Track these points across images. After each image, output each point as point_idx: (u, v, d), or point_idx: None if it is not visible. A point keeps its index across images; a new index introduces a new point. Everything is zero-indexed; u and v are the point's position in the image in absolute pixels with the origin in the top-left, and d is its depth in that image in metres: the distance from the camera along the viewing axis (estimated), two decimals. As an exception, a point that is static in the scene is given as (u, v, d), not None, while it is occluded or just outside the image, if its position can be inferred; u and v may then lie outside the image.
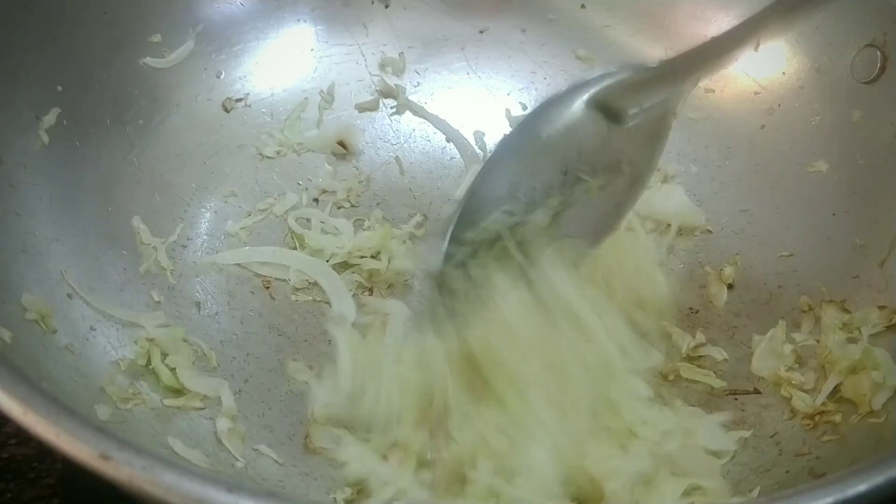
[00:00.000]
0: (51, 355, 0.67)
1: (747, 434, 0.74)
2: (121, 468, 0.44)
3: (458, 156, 1.04)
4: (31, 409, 0.46)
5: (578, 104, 0.83)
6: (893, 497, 0.46)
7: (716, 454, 0.71)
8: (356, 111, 1.05)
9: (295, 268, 0.89)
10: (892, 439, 0.66)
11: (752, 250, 0.92)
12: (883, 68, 0.86)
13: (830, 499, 0.45)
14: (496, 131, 1.06)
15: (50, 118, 0.80)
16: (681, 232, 0.95)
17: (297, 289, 0.89)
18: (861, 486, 0.45)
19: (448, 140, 1.06)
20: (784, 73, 0.95)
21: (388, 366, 0.75)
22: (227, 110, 0.98)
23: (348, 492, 0.69)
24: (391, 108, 1.06)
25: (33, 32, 0.80)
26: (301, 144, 1.00)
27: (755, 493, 0.66)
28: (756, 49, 0.96)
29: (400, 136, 1.05)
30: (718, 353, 0.85)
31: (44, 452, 0.88)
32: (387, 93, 1.06)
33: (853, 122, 0.88)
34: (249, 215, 0.94)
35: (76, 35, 0.84)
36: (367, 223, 0.96)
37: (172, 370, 0.75)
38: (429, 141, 1.06)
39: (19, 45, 0.78)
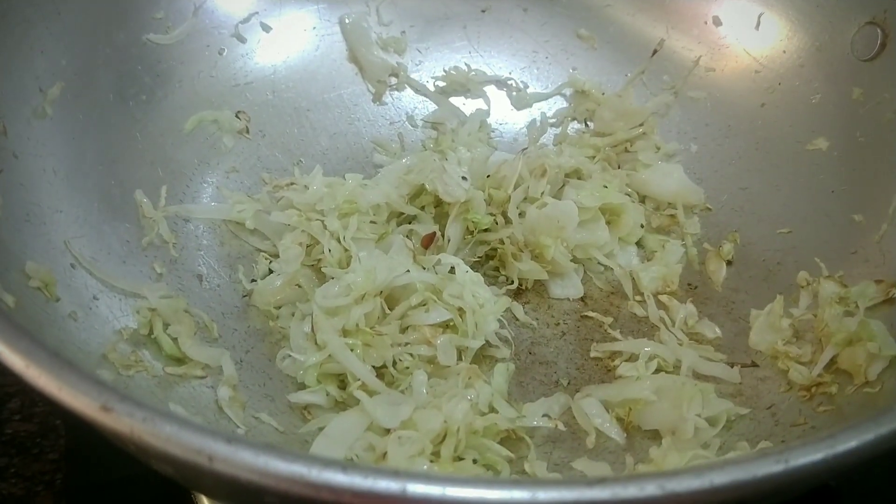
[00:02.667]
0: (54, 322, 0.68)
1: (745, 411, 0.75)
2: (121, 419, 0.44)
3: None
4: (33, 362, 0.47)
5: None
6: (884, 454, 0.47)
7: (710, 420, 0.72)
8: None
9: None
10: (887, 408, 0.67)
11: (752, 227, 0.93)
12: (883, 45, 0.87)
13: (821, 454, 0.45)
14: (498, 109, 1.07)
15: (54, 91, 0.81)
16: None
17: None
18: (851, 443, 0.46)
19: (449, 118, 1.06)
20: (785, 52, 0.96)
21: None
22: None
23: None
24: (392, 85, 1.07)
25: (38, 7, 0.80)
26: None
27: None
28: (757, 28, 0.98)
29: (401, 113, 1.06)
30: (710, 331, 0.86)
31: (47, 428, 0.89)
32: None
33: (853, 99, 0.89)
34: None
35: (80, 10, 0.85)
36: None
37: (174, 339, 0.76)
38: (429, 118, 1.06)
39: (24, 19, 0.79)
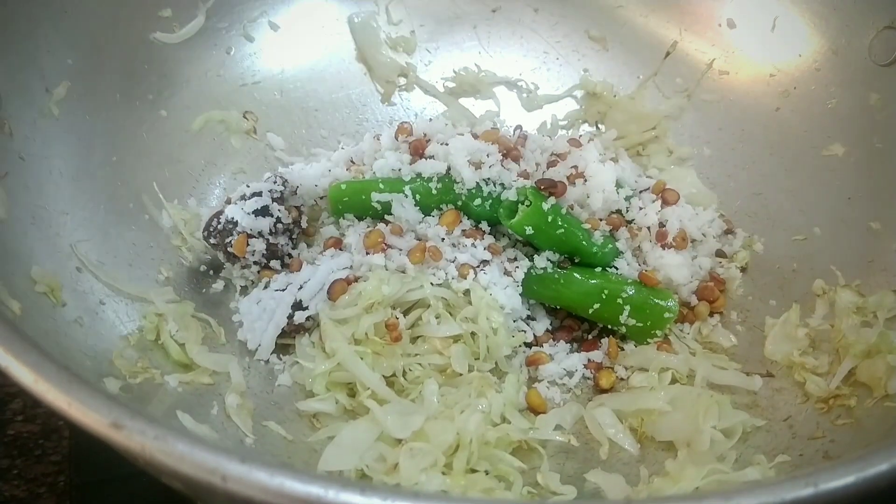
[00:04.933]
0: (60, 328, 0.67)
1: (761, 423, 0.74)
2: (133, 437, 0.43)
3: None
4: (42, 376, 0.46)
5: None
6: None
7: (725, 432, 0.71)
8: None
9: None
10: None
11: (766, 234, 0.92)
12: (902, 50, 0.85)
13: (852, 478, 0.44)
14: (509, 111, 1.06)
15: (60, 91, 0.79)
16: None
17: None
18: (882, 466, 0.45)
19: (459, 119, 1.05)
20: (800, 56, 0.94)
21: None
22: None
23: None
24: (401, 86, 1.06)
25: (44, 5, 0.79)
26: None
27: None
28: (773, 30, 0.97)
29: (409, 114, 1.05)
30: (726, 339, 0.84)
31: (50, 430, 0.89)
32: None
33: (870, 104, 0.87)
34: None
35: (87, 8, 0.84)
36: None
37: (181, 345, 0.75)
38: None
39: (30, 18, 0.78)
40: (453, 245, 0.83)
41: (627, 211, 0.88)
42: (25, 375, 0.46)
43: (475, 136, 0.86)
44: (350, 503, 0.41)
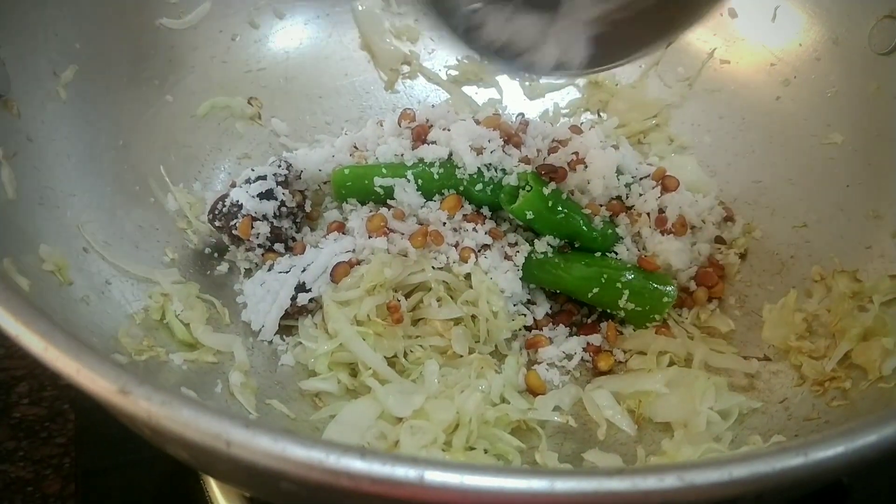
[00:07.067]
0: (67, 306, 0.68)
1: (757, 405, 0.74)
2: (139, 403, 0.44)
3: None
4: (51, 344, 0.47)
5: None
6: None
7: (722, 414, 0.71)
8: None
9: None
10: (906, 403, 0.67)
11: (765, 221, 0.92)
12: (901, 40, 0.86)
13: (841, 448, 0.45)
14: (511, 99, 1.06)
15: (68, 74, 0.80)
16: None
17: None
18: (871, 437, 0.45)
19: (462, 107, 1.06)
20: (801, 45, 0.95)
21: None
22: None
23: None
24: (404, 74, 1.06)
25: (52, -11, 0.80)
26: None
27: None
28: (773, 20, 0.97)
29: (413, 102, 1.06)
30: (724, 324, 0.85)
31: (56, 412, 0.90)
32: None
33: (870, 93, 0.88)
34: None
35: (94, -8, 0.85)
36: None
37: (186, 325, 0.76)
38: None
39: (39, 1, 0.78)
40: (454, 229, 0.83)
41: (627, 197, 0.88)
42: (35, 343, 0.47)
43: (477, 122, 0.87)
44: (351, 468, 0.41)
